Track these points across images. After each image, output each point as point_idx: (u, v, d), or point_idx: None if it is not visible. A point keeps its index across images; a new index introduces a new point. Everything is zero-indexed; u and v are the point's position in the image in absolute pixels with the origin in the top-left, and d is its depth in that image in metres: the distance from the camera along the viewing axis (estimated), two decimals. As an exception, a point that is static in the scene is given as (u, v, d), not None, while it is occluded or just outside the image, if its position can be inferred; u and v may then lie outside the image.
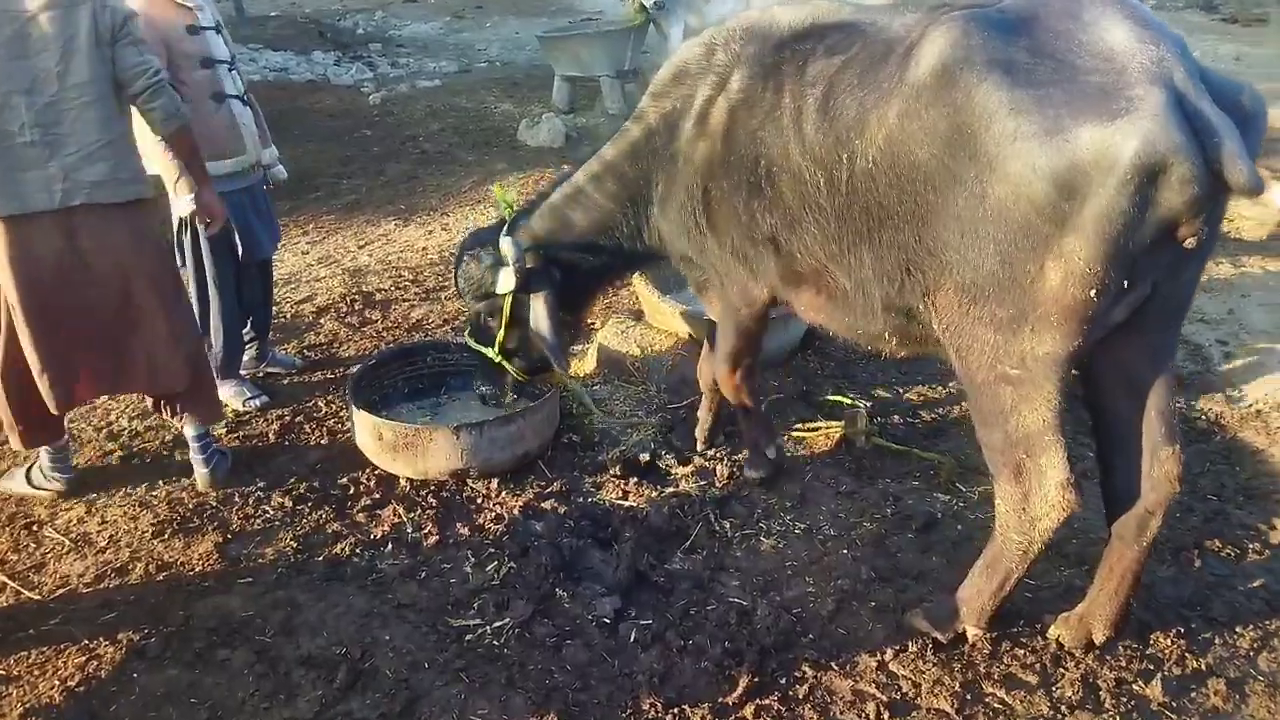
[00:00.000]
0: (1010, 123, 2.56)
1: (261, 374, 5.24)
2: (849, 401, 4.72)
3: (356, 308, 6.14)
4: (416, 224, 7.88)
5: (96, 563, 3.79)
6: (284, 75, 13.45)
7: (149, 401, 4.23)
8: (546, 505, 4.07)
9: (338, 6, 19.31)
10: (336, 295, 6.33)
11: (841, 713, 3.01)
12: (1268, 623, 3.31)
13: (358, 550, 3.83)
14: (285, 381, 5.23)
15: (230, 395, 4.92)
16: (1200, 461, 4.25)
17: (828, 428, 4.54)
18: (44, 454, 4.18)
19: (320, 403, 4.97)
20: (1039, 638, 3.23)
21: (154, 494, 4.23)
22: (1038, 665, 3.13)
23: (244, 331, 5.07)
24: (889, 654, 3.20)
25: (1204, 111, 2.44)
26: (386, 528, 3.96)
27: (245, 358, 5.13)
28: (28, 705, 3.11)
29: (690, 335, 5.12)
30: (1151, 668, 3.11)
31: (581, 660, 3.26)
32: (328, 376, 5.27)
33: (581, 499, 4.13)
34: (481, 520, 4.01)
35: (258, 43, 14.94)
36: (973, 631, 3.17)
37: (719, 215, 3.58)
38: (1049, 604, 3.37)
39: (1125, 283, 2.59)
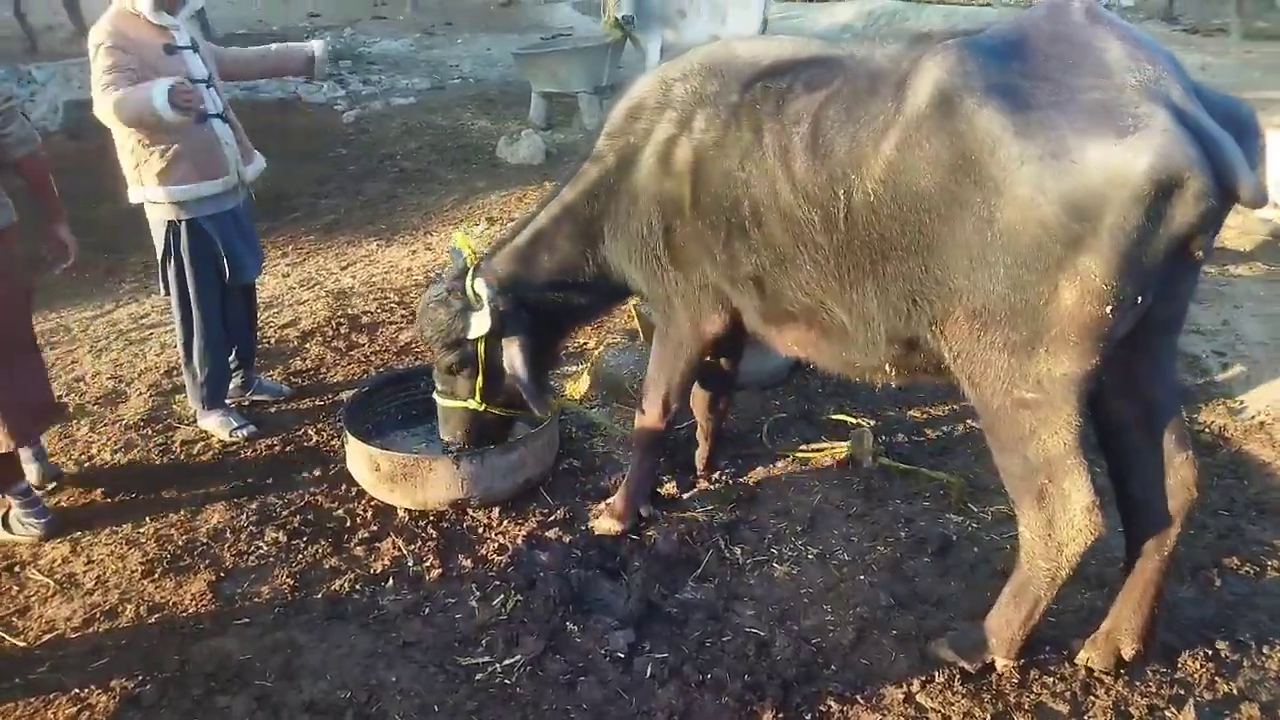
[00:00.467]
0: (1015, 147, 2.53)
1: (247, 402, 5.09)
2: (853, 420, 4.65)
3: (342, 331, 6.00)
4: (399, 244, 7.75)
5: (84, 605, 3.63)
6: (254, 94, 13.23)
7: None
8: (551, 534, 3.96)
9: (306, 24, 19.15)
10: (321, 319, 6.19)
11: (870, 748, 2.93)
12: (1294, 643, 3.27)
13: (358, 586, 3.70)
14: (273, 410, 5.08)
15: (216, 425, 4.77)
16: (1208, 476, 4.20)
17: (832, 448, 4.47)
18: (12, 500, 4.02)
19: (310, 431, 4.83)
20: (1066, 664, 3.16)
21: (141, 530, 4.07)
22: (1068, 693, 3.06)
23: (229, 359, 4.92)
24: (915, 685, 3.11)
25: (1205, 126, 2.44)
26: (387, 561, 3.83)
27: (230, 386, 4.98)
28: (17, 761, 2.96)
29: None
30: (1182, 693, 3.05)
31: (597, 698, 3.15)
32: (316, 403, 5.13)
33: (586, 526, 4.02)
34: (484, 551, 3.89)
35: (226, 61, 14.71)
36: (1002, 663, 3.10)
37: (685, 253, 3.53)
38: (1073, 628, 3.30)
39: (1139, 298, 2.57)
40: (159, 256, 4.58)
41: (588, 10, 17.83)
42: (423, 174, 9.74)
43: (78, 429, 4.89)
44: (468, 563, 3.82)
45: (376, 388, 4.77)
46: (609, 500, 4.07)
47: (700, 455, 4.43)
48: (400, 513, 4.11)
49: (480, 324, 3.87)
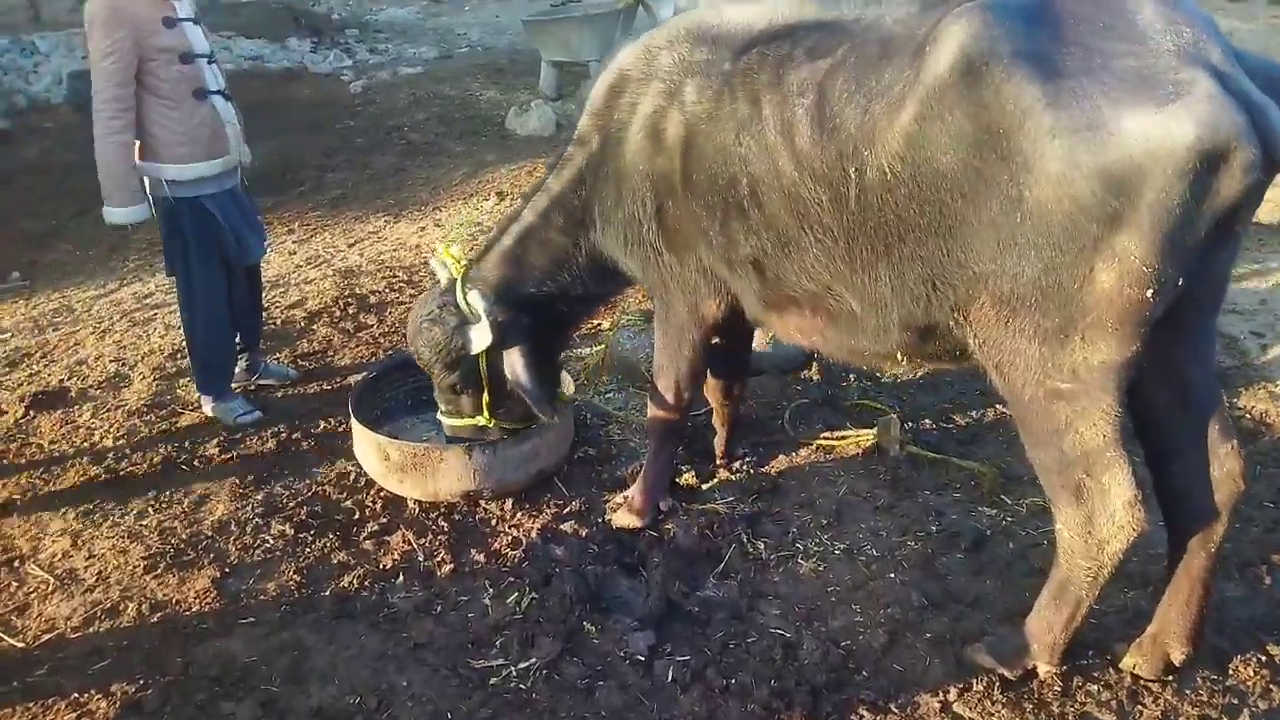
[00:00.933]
0: (1046, 118, 2.34)
1: (253, 387, 4.94)
2: (879, 407, 4.48)
3: (350, 312, 5.84)
4: (407, 220, 7.57)
5: (85, 603, 3.50)
6: (259, 64, 13.04)
7: None
8: (566, 527, 3.82)
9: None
10: (328, 299, 6.02)
11: (905, 760, 2.78)
12: (1351, 646, 3.11)
13: (367, 583, 3.56)
14: (279, 395, 4.93)
15: (221, 412, 4.63)
16: (1250, 465, 4.00)
17: (858, 436, 4.30)
18: None
19: (318, 417, 4.68)
20: (1111, 670, 3.01)
21: (144, 523, 3.93)
22: (1113, 702, 2.91)
23: (234, 344, 4.78)
24: (952, 693, 2.96)
25: (1249, 92, 2.27)
26: (397, 556, 3.69)
27: (236, 370, 4.84)
28: (14, 771, 2.84)
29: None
30: (1235, 701, 2.90)
31: (617, 704, 3.01)
32: (324, 388, 4.98)
33: (603, 519, 3.87)
34: (498, 545, 3.74)
35: (230, 30, 14.47)
36: (1044, 669, 2.95)
37: (679, 235, 3.35)
38: (1116, 630, 3.15)
39: (1180, 279, 2.39)
40: (163, 236, 4.43)
41: (598, -24, 17.49)
42: (431, 146, 9.53)
43: (80, 414, 4.76)
44: (480, 557, 3.68)
45: (384, 373, 4.61)
46: (627, 493, 3.91)
47: (718, 443, 4.27)
48: (410, 504, 3.97)
49: (481, 338, 3.69)
